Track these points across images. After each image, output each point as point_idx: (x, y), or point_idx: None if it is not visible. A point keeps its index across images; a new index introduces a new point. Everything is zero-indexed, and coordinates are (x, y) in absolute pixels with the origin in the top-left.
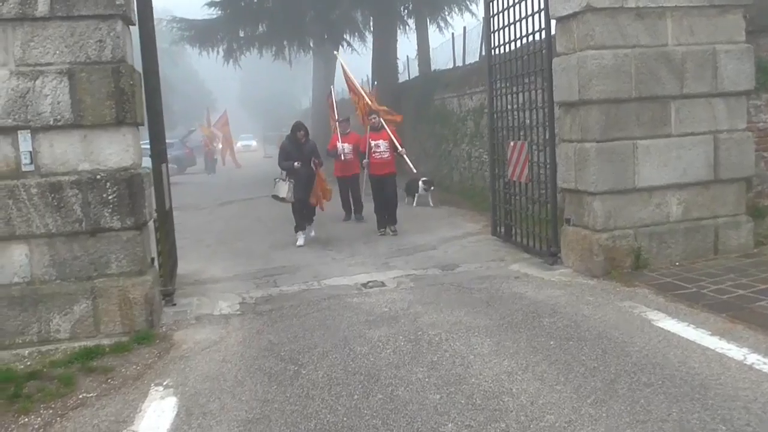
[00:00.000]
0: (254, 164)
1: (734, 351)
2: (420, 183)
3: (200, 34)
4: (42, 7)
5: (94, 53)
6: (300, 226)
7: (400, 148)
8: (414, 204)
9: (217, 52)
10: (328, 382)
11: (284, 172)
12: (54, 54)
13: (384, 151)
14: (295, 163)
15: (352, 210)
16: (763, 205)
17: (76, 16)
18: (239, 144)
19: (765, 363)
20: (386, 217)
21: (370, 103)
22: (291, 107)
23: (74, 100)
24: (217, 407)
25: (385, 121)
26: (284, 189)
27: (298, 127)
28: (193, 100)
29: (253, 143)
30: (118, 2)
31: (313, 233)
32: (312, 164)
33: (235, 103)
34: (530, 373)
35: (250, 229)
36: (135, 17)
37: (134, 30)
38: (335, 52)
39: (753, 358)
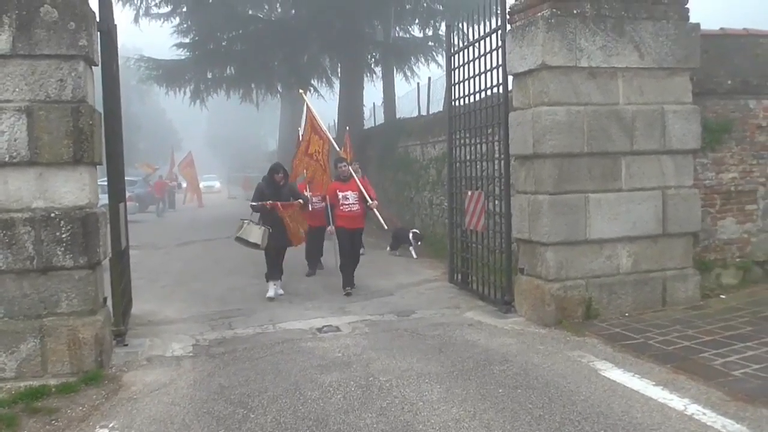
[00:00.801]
0: (217, 205)
1: (676, 401)
2: (410, 235)
3: (168, 74)
4: (3, 45)
5: (54, 92)
6: (273, 275)
7: (370, 201)
8: (397, 254)
9: (184, 92)
10: (277, 426)
11: (255, 215)
12: (13, 91)
13: (353, 203)
14: (268, 203)
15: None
16: (709, 259)
17: (37, 55)
18: (202, 185)
19: (704, 413)
20: (349, 278)
21: (339, 149)
22: (257, 149)
23: (31, 138)
24: None
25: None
26: (256, 234)
27: (276, 168)
28: (159, 139)
29: (216, 184)
30: (80, 43)
31: (281, 291)
32: (313, 205)
33: (201, 142)
34: (477, 421)
35: (208, 270)
36: (98, 58)
37: (98, 69)
38: (300, 91)
39: (693, 408)
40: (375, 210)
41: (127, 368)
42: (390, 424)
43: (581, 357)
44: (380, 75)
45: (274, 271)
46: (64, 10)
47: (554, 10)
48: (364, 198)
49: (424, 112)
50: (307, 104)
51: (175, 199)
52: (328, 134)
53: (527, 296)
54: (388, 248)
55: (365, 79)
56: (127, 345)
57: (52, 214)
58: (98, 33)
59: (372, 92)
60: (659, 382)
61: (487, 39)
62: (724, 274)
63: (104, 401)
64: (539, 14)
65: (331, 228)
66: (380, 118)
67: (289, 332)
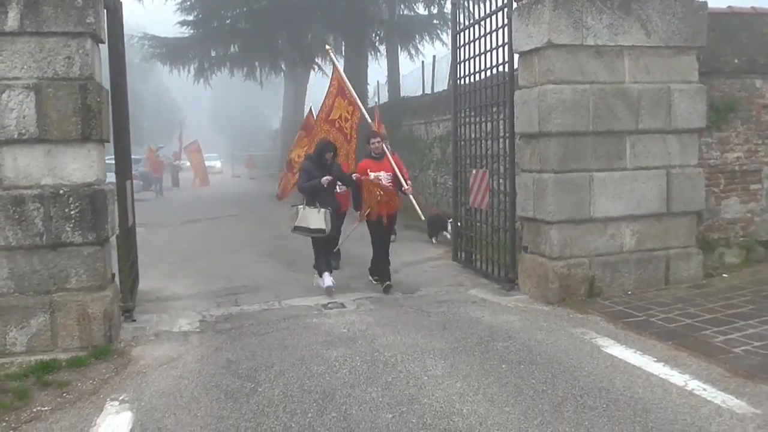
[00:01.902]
0: (220, 184)
1: (677, 377)
2: (449, 225)
3: (171, 52)
4: (12, 22)
5: (62, 69)
6: (325, 265)
7: (405, 185)
8: (434, 242)
9: (188, 70)
10: (284, 399)
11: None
12: (21, 69)
13: (387, 186)
14: (324, 179)
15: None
16: (713, 238)
17: (45, 33)
18: None
19: (704, 389)
20: (384, 269)
21: (371, 122)
22: (260, 128)
23: (40, 115)
24: (173, 423)
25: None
26: (318, 219)
27: (326, 146)
28: (163, 117)
29: (218, 164)
30: (88, 20)
31: (327, 284)
32: (339, 187)
33: (205, 121)
34: (481, 395)
35: (214, 249)
36: (105, 35)
37: (104, 47)
38: (327, 47)
39: (694, 384)
40: (411, 196)
41: (135, 343)
42: (395, 398)
43: (584, 334)
44: (384, 53)
45: (323, 261)
46: None
47: None
48: (399, 181)
49: (428, 91)
50: (334, 63)
51: (178, 178)
52: (358, 101)
53: (531, 274)
54: (429, 236)
55: (369, 57)
56: (135, 320)
57: (61, 191)
58: (104, 10)
59: (376, 70)
60: (660, 359)
61: (493, 17)
62: (728, 253)
63: (114, 375)
64: None
65: (361, 213)
66: (384, 97)
67: (295, 308)
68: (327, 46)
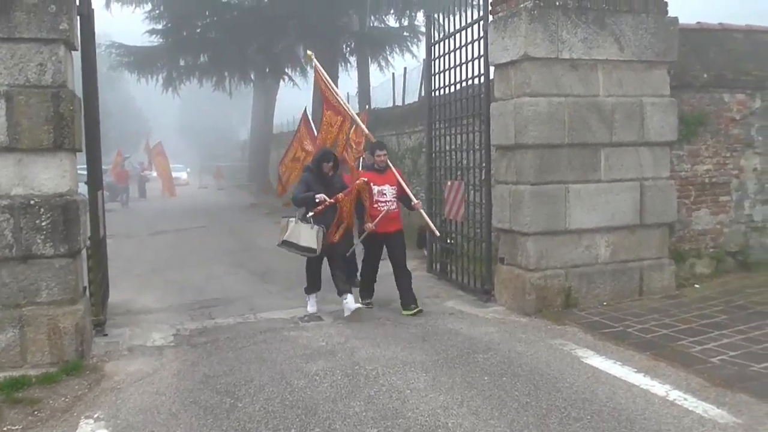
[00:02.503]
0: (188, 195)
1: (657, 387)
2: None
3: (139, 61)
4: None
5: (34, 77)
6: (314, 286)
7: (414, 200)
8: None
9: (157, 79)
10: (265, 415)
11: (301, 211)
12: None
13: (390, 201)
14: (317, 195)
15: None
16: (684, 249)
17: (17, 38)
18: None
19: (685, 399)
20: (406, 292)
21: (365, 129)
22: (229, 138)
23: (11, 123)
24: None
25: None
26: (308, 235)
27: (325, 156)
28: (129, 127)
29: (183, 175)
30: (61, 27)
31: (358, 303)
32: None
33: (173, 131)
34: (465, 408)
35: (184, 260)
36: (78, 43)
37: (76, 55)
38: (308, 53)
39: (675, 394)
40: (422, 211)
41: (108, 358)
42: (379, 411)
43: (563, 345)
44: (355, 65)
45: (315, 282)
46: None
47: (537, 1)
48: (405, 196)
49: (399, 103)
50: (317, 70)
51: (145, 188)
52: (349, 109)
53: (507, 285)
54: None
55: (340, 68)
56: (106, 335)
57: (32, 201)
58: (78, 17)
59: (346, 81)
60: (640, 369)
61: (469, 29)
62: (698, 264)
63: (87, 391)
64: (522, 5)
65: (370, 226)
66: (354, 108)
67: (271, 321)
68: (309, 52)
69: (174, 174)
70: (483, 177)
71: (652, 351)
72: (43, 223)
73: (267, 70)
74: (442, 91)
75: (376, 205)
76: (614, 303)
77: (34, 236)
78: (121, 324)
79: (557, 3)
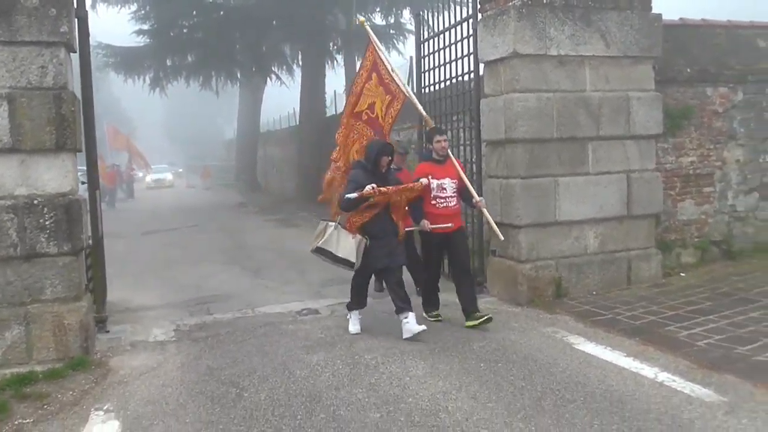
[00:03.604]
0: (176, 195)
1: (647, 370)
2: None
3: (126, 61)
4: None
5: (36, 79)
6: (359, 302)
7: (477, 197)
8: None
9: (144, 80)
10: (271, 403)
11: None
12: None
13: (451, 196)
14: (368, 187)
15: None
16: (670, 239)
17: (18, 42)
18: (149, 178)
19: (674, 380)
20: (469, 299)
21: (423, 112)
22: (215, 138)
23: (13, 125)
24: (162, 430)
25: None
26: (348, 245)
27: (383, 149)
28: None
29: (168, 176)
30: (62, 30)
31: (422, 325)
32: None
33: (158, 131)
34: (464, 393)
35: (177, 259)
36: (77, 45)
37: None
38: (360, 19)
39: (663, 376)
40: (485, 210)
41: (111, 353)
42: (381, 398)
43: (555, 333)
44: (342, 63)
45: (360, 297)
46: None
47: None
48: (466, 191)
49: None
50: (370, 39)
51: (133, 189)
52: (404, 86)
53: (500, 277)
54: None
55: (327, 67)
56: (108, 331)
57: (35, 201)
58: (75, 19)
59: (333, 79)
60: (630, 354)
61: (458, 27)
62: (684, 253)
63: (94, 385)
64: (510, 4)
65: (426, 223)
66: (341, 106)
67: (269, 316)
68: (361, 18)
69: (157, 176)
70: (474, 171)
71: (640, 337)
72: (47, 223)
73: (253, 69)
74: (431, 88)
75: (434, 202)
76: (603, 292)
77: (38, 235)
78: (121, 321)
79: (545, 1)
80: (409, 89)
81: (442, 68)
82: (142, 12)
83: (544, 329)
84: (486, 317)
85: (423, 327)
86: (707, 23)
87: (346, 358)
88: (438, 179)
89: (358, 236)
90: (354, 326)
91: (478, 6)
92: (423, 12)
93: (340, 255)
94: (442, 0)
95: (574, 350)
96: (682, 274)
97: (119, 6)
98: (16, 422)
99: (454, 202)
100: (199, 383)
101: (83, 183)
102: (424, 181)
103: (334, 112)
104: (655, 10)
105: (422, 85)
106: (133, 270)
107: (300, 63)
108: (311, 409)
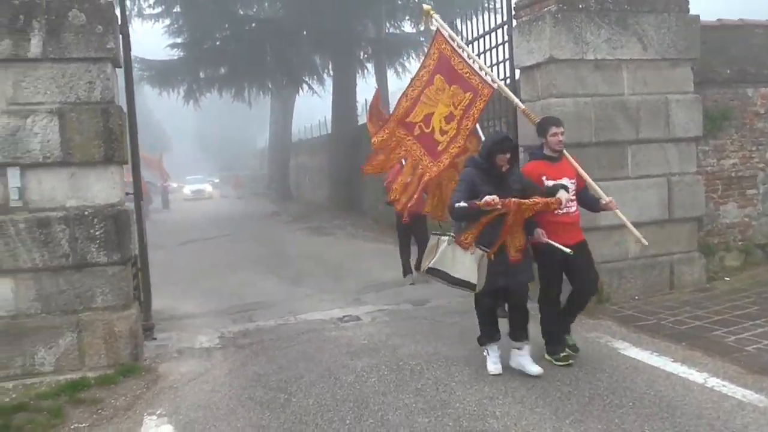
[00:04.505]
0: (210, 204)
1: (695, 375)
2: None
3: (160, 74)
4: (34, 49)
5: (84, 94)
6: (491, 334)
7: (605, 197)
8: None
9: (177, 92)
10: (320, 408)
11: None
12: (45, 94)
13: (571, 200)
14: (488, 197)
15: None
16: (713, 242)
17: (67, 58)
18: (187, 189)
19: (724, 385)
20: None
21: (521, 105)
22: (246, 147)
23: (64, 139)
24: None
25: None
26: (467, 265)
27: (501, 143)
28: (149, 141)
29: (207, 187)
30: (108, 46)
31: (538, 369)
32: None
33: (189, 142)
34: (510, 398)
35: (215, 268)
36: (122, 60)
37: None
38: (425, 6)
39: (713, 382)
40: (618, 212)
41: (160, 360)
42: (428, 402)
43: (599, 338)
44: (372, 71)
45: (492, 327)
46: (91, 14)
47: (560, 5)
48: (587, 194)
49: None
50: (438, 29)
51: (168, 199)
52: (491, 76)
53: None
54: None
55: (358, 75)
56: (155, 338)
57: (86, 212)
58: (120, 35)
59: (364, 88)
60: (677, 359)
61: (492, 34)
62: (727, 257)
63: (145, 391)
64: (546, 9)
65: (541, 233)
66: None
67: (311, 323)
68: (426, 6)
69: (194, 186)
70: None
71: (687, 342)
72: (97, 233)
73: (284, 79)
74: None
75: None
76: (646, 297)
77: (89, 245)
78: (167, 329)
79: (580, 6)
80: (492, 78)
81: None
82: (175, 26)
83: (587, 334)
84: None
85: (540, 370)
86: (745, 23)
87: (391, 364)
88: (553, 179)
89: (478, 250)
90: (494, 365)
91: (513, 12)
92: (455, 20)
93: (456, 276)
94: (474, 7)
95: (620, 355)
96: (726, 279)
97: (153, 21)
98: (72, 426)
99: (575, 208)
100: (247, 389)
101: (128, 194)
102: (564, 195)
103: (365, 121)
104: (692, 11)
105: None
106: (175, 279)
107: (331, 72)
108: (360, 414)
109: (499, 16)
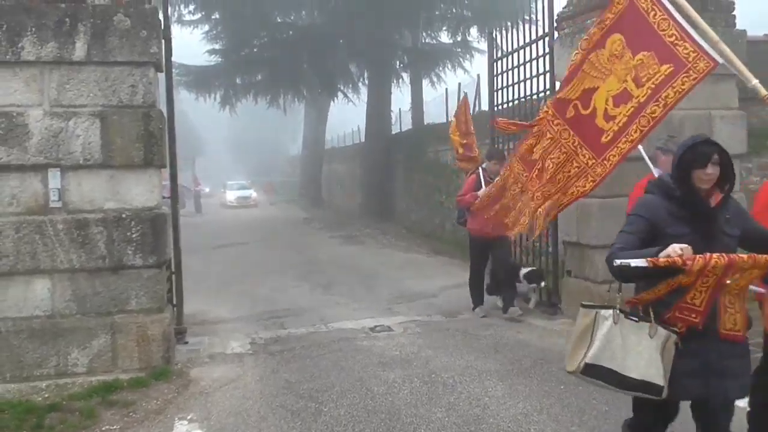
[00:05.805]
0: (244, 210)
1: None
2: (521, 276)
3: (197, 79)
4: (79, 52)
5: (126, 97)
6: None
7: None
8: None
9: (214, 98)
10: (351, 419)
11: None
12: (87, 96)
13: None
14: (674, 248)
15: None
16: None
17: (111, 62)
18: (231, 196)
19: None
20: None
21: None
22: (279, 153)
23: (105, 142)
24: None
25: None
26: (646, 355)
27: (695, 152)
28: (184, 143)
29: (253, 194)
30: (152, 50)
31: None
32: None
33: (222, 146)
34: (545, 415)
35: (249, 273)
36: (163, 65)
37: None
38: None
39: None
40: None
41: (191, 365)
42: (461, 417)
43: None
44: (408, 81)
45: None
46: (136, 19)
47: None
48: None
49: (451, 118)
50: None
51: (201, 203)
52: (708, 45)
53: (575, 298)
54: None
55: (393, 84)
56: (187, 342)
57: (123, 215)
58: (163, 40)
59: (398, 97)
60: None
61: (533, 45)
62: None
63: (177, 395)
64: (588, 22)
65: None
66: (405, 124)
67: (342, 331)
68: None
69: (239, 192)
70: None
71: None
72: (134, 236)
73: (320, 87)
74: (504, 106)
75: None
76: None
77: (125, 248)
78: (199, 333)
79: None
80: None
81: (516, 87)
82: (214, 32)
83: None
84: None
85: None
86: None
87: (423, 376)
88: None
89: (661, 330)
90: None
91: (555, 24)
92: (494, 31)
93: (630, 375)
94: (515, 18)
95: None
96: None
97: (192, 27)
98: (103, 428)
99: None
100: (278, 397)
101: (164, 197)
102: None
103: (399, 129)
104: (739, 26)
105: (495, 104)
106: (207, 283)
107: (366, 81)
108: (391, 427)
109: (539, 28)
